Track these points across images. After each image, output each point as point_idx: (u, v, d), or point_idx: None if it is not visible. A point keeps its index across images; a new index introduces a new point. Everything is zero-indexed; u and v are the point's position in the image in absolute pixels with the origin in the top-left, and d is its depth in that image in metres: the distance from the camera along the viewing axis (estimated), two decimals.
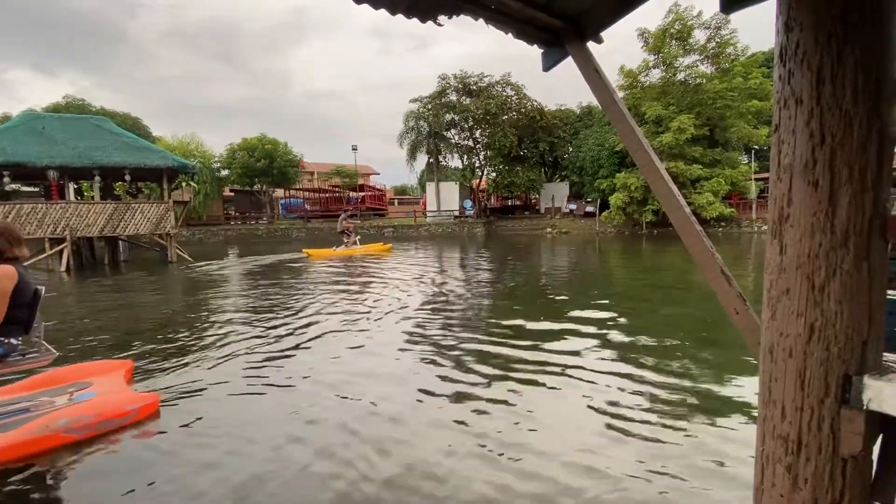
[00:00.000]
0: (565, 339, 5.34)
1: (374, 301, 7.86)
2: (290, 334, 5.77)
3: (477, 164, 34.46)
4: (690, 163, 23.59)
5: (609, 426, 3.19)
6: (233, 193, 38.09)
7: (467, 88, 30.80)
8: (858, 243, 0.96)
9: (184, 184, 26.44)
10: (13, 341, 3.14)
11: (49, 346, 3.36)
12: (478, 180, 35.23)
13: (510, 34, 1.79)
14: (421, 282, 10.13)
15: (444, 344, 5.24)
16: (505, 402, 3.62)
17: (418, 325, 6.14)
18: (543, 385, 3.96)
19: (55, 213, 14.69)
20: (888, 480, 1.03)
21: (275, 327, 6.13)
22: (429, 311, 7.03)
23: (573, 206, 31.38)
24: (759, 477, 1.12)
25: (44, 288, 3.35)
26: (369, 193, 40.85)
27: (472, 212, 31.83)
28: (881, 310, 1.00)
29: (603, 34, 1.77)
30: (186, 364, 4.70)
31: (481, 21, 1.68)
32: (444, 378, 4.20)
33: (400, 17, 1.62)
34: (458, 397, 3.77)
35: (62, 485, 2.74)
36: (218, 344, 5.41)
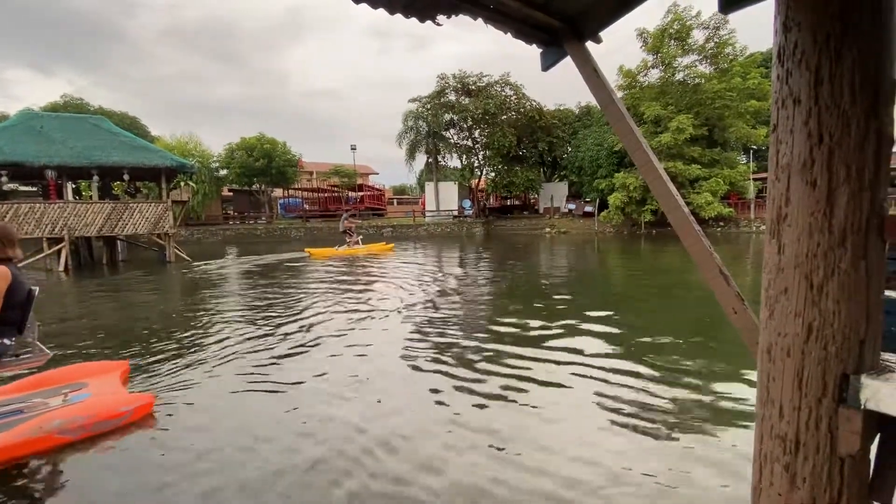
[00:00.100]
0: (565, 337, 5.36)
1: (378, 300, 7.90)
2: (291, 334, 5.77)
3: (476, 164, 34.44)
4: (689, 163, 23.61)
5: (611, 422, 3.24)
6: (231, 193, 38.03)
7: (466, 88, 30.77)
8: (856, 243, 0.96)
9: (182, 183, 26.31)
10: (6, 342, 3.13)
11: (43, 347, 3.34)
12: (477, 180, 35.19)
13: (509, 34, 1.79)
14: (422, 281, 10.15)
15: (446, 342, 5.28)
16: (508, 399, 3.66)
17: (421, 324, 6.16)
18: (545, 383, 4.00)
19: (53, 213, 14.65)
20: (886, 479, 1.03)
21: (275, 327, 6.12)
22: (431, 310, 7.06)
23: (572, 206, 31.36)
24: (758, 476, 1.12)
25: (37, 288, 3.34)
26: (368, 193, 40.80)
27: (470, 211, 31.79)
28: (879, 309, 1.00)
29: (602, 34, 1.77)
30: (184, 364, 4.69)
31: (480, 21, 1.68)
32: (447, 375, 4.24)
33: (399, 16, 1.62)
34: (462, 394, 3.81)
35: (56, 486, 2.73)
36: (217, 344, 5.40)
